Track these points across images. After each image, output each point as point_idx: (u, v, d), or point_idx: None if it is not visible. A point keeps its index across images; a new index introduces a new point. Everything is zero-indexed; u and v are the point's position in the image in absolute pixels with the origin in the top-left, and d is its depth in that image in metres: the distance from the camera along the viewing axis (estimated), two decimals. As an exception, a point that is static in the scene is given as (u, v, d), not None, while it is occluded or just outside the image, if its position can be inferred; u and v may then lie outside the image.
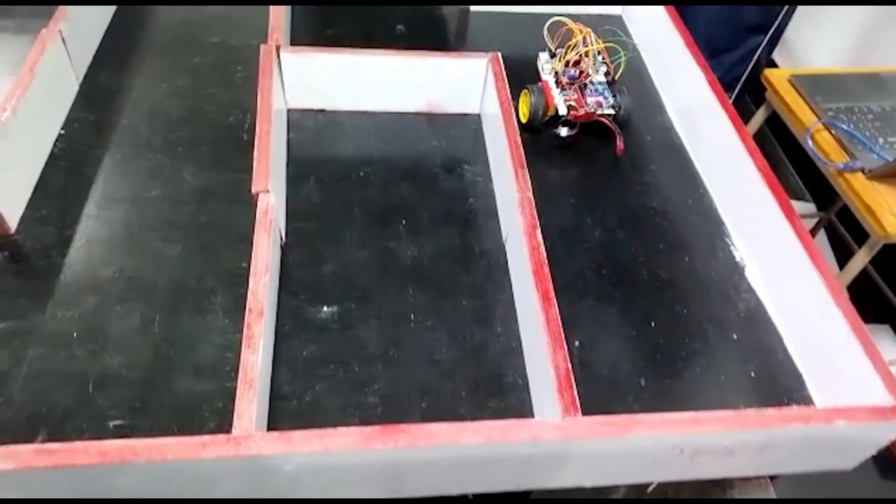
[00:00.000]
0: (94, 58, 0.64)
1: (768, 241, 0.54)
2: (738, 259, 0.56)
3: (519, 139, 0.54)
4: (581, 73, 0.62)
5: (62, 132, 0.57)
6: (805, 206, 1.35)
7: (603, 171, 0.62)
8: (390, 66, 0.61)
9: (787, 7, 1.01)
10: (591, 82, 0.63)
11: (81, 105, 0.60)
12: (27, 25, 0.64)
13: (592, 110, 0.62)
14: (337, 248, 0.52)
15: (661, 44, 0.71)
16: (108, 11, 0.68)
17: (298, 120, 0.62)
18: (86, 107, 0.60)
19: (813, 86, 0.96)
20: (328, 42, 0.70)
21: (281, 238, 0.52)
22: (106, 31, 0.67)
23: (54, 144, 0.56)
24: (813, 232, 1.27)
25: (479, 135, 0.63)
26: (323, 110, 0.63)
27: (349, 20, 0.74)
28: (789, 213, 0.52)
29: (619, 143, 0.62)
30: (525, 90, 0.63)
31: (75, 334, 0.45)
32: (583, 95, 0.62)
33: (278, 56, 0.59)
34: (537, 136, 0.63)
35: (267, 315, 0.43)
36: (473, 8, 0.77)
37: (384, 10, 0.76)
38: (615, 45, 0.65)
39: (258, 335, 0.40)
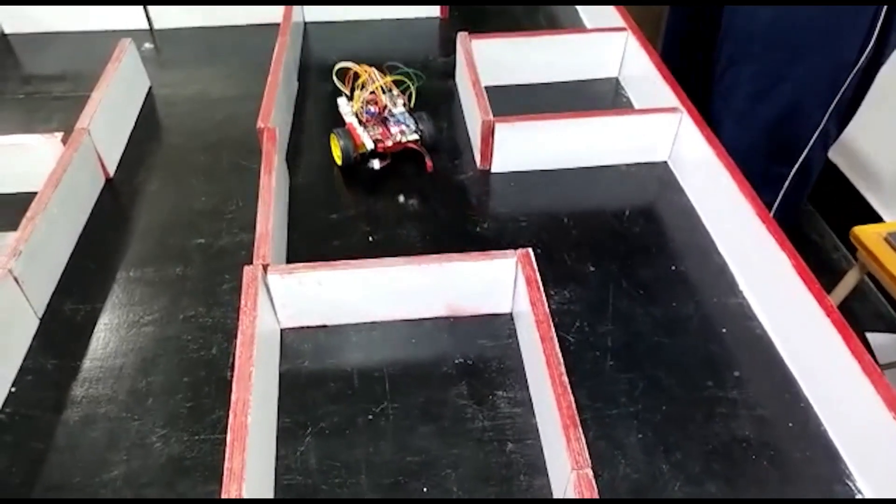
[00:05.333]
0: (60, 283, 0.55)
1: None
2: (872, 515, 0.42)
3: (565, 376, 0.42)
4: (380, 108, 0.66)
5: (13, 390, 0.48)
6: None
7: (679, 384, 0.49)
8: (401, 277, 0.50)
9: (816, 135, 0.86)
10: (392, 114, 0.67)
11: (40, 348, 0.51)
12: None
13: (398, 139, 0.65)
14: (340, 542, 0.40)
15: (725, 208, 0.59)
16: (76, 227, 0.60)
17: (294, 342, 0.52)
18: (45, 349, 0.50)
19: (919, 246, 0.81)
20: (332, 229, 0.62)
21: (266, 539, 0.40)
22: (75, 247, 0.58)
23: (1, 409, 0.46)
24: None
25: (514, 343, 0.52)
26: (324, 326, 0.53)
27: (354, 200, 0.65)
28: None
29: (429, 163, 0.66)
30: (333, 134, 0.66)
31: None
32: (387, 128, 0.65)
33: (265, 275, 0.49)
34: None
35: None
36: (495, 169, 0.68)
37: (395, 184, 0.67)
38: (402, 78, 0.69)
39: None
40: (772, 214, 0.90)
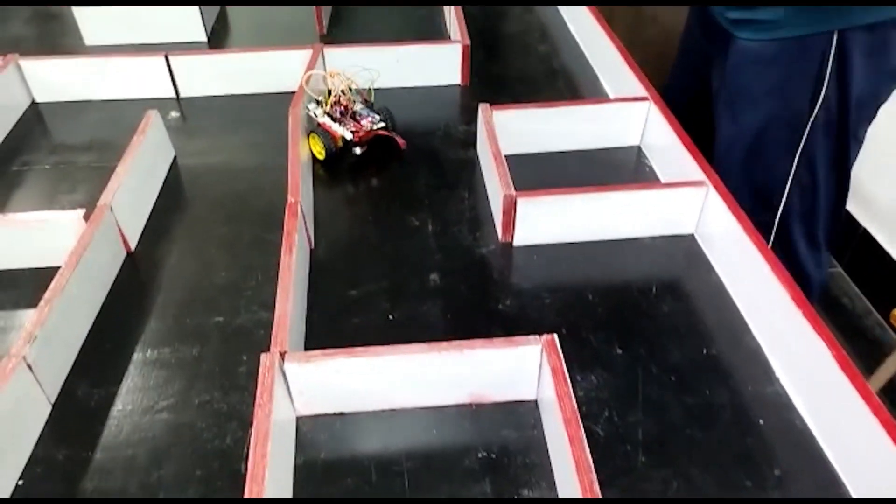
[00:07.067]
0: (75, 365, 0.54)
1: None
2: None
3: (596, 485, 0.40)
4: (345, 106, 0.78)
5: (20, 483, 0.46)
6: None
7: (716, 483, 0.46)
8: (422, 363, 0.49)
9: (790, 182, 0.87)
10: (356, 111, 0.79)
11: (51, 436, 0.49)
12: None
13: (370, 128, 0.77)
14: None
15: (757, 288, 0.57)
16: (94, 306, 0.59)
17: (310, 432, 0.50)
18: (56, 438, 0.49)
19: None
20: (352, 306, 0.60)
21: None
22: (92, 326, 0.58)
23: (6, 505, 0.45)
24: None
25: (539, 433, 0.50)
26: (342, 413, 0.51)
27: (375, 275, 0.64)
28: None
29: (401, 141, 0.78)
30: (312, 133, 0.78)
31: None
32: (357, 121, 0.77)
33: (282, 362, 0.48)
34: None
35: None
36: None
37: (416, 258, 0.66)
38: (358, 78, 0.79)
39: None
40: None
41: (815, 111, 0.82)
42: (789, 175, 0.88)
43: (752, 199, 0.90)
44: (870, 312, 1.13)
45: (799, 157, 0.86)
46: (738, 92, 0.85)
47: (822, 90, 0.80)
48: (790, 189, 0.89)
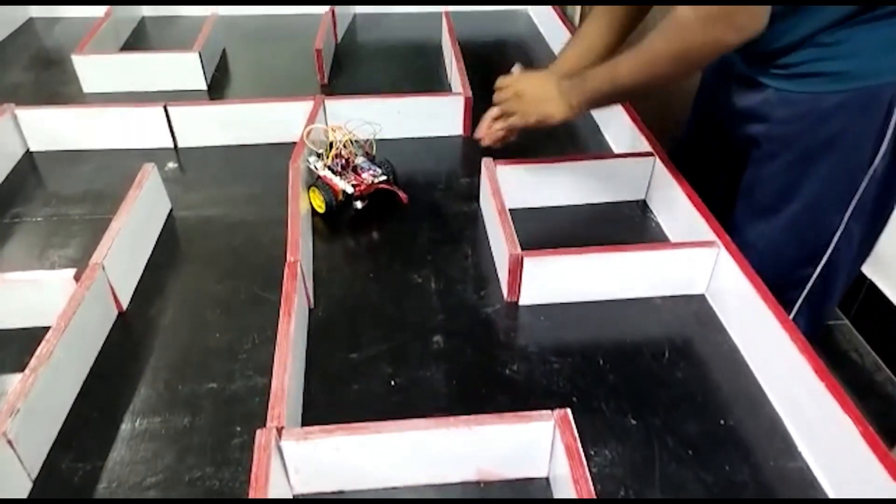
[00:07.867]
0: (59, 436, 0.51)
1: None
2: None
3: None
4: (347, 159, 0.76)
5: (-7, 572, 0.43)
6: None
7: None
8: (427, 439, 0.46)
9: (839, 235, 0.85)
10: (358, 164, 0.77)
11: None
12: None
13: (371, 182, 0.75)
14: None
15: (774, 355, 0.55)
16: (82, 371, 0.57)
17: (308, 512, 0.47)
18: (36, 516, 0.46)
19: None
20: (352, 371, 0.58)
21: None
22: (80, 392, 0.55)
23: None
24: None
25: (551, 514, 0.47)
26: (341, 492, 0.48)
27: (376, 337, 0.61)
28: None
29: (403, 196, 0.77)
30: (312, 187, 0.76)
31: None
32: (358, 174, 0.76)
33: (279, 439, 0.45)
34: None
35: None
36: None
37: (419, 318, 0.63)
38: (360, 132, 0.79)
39: None
40: (792, 317, 0.87)
41: (876, 162, 0.80)
42: (839, 227, 0.86)
43: (798, 251, 0.87)
44: (880, 368, 1.10)
45: (852, 210, 0.84)
46: (790, 146, 0.81)
47: (884, 140, 0.79)
48: (837, 242, 0.86)
